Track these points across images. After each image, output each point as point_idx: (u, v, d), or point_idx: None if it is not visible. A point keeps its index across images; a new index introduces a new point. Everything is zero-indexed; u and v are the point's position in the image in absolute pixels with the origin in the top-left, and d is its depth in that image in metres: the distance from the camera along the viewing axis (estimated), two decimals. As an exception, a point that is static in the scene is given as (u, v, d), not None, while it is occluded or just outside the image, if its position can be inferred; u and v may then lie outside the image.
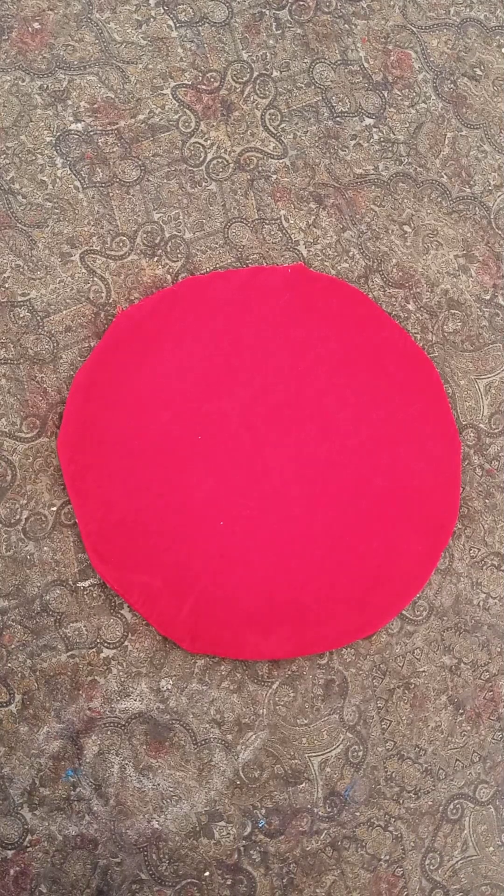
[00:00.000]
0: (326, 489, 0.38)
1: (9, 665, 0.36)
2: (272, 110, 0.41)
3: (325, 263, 0.40)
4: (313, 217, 0.41)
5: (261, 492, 0.38)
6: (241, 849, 0.37)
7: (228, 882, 0.37)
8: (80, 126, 0.39)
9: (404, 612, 0.39)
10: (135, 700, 0.37)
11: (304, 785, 0.38)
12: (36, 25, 0.39)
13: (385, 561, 0.38)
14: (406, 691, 0.39)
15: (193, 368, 0.38)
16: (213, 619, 0.37)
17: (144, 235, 0.39)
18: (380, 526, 0.38)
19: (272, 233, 0.40)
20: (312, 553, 0.37)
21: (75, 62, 0.39)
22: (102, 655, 0.37)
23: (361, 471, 0.38)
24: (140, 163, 0.39)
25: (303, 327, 0.38)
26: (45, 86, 0.39)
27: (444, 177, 0.42)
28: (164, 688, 0.37)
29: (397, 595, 0.38)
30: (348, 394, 0.38)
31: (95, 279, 0.38)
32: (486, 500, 0.40)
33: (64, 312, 0.38)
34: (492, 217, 0.42)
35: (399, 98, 0.42)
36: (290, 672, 0.38)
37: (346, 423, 0.38)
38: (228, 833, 0.37)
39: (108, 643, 0.37)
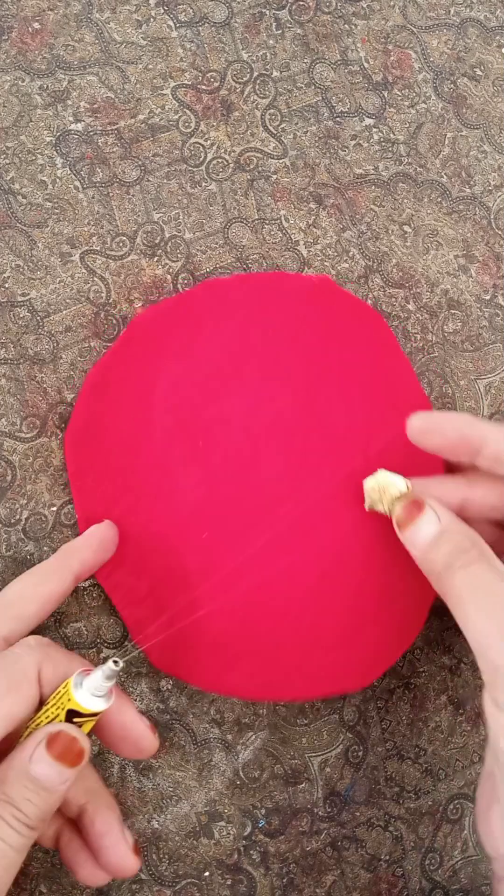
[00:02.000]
0: (322, 516, 0.35)
1: (9, 665, 0.36)
2: (272, 110, 0.41)
3: (325, 263, 0.40)
4: (313, 217, 0.41)
5: (252, 508, 0.35)
6: (241, 849, 0.37)
7: (228, 882, 0.37)
8: (80, 126, 0.39)
9: (404, 612, 0.39)
10: (135, 700, 0.37)
11: (304, 785, 0.38)
12: (36, 25, 0.39)
13: (377, 607, 0.36)
14: (406, 691, 0.39)
15: (202, 373, 0.36)
16: (181, 638, 0.35)
17: (144, 235, 0.39)
18: (374, 570, 0.36)
19: (272, 233, 0.40)
20: (297, 584, 0.35)
21: (75, 62, 0.39)
22: (102, 655, 0.37)
23: (361, 502, 0.36)
24: (140, 163, 0.39)
25: (319, 344, 0.37)
26: (45, 86, 0.39)
27: (444, 177, 0.42)
28: (164, 688, 0.37)
29: (386, 648, 0.36)
30: (356, 419, 0.36)
31: (95, 279, 0.38)
32: (486, 500, 0.40)
33: (64, 312, 0.38)
34: (492, 217, 0.42)
35: (399, 98, 0.42)
36: (290, 672, 0.38)
37: (350, 449, 0.36)
38: (228, 833, 0.37)
39: (108, 643, 0.37)
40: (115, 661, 0.27)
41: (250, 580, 0.36)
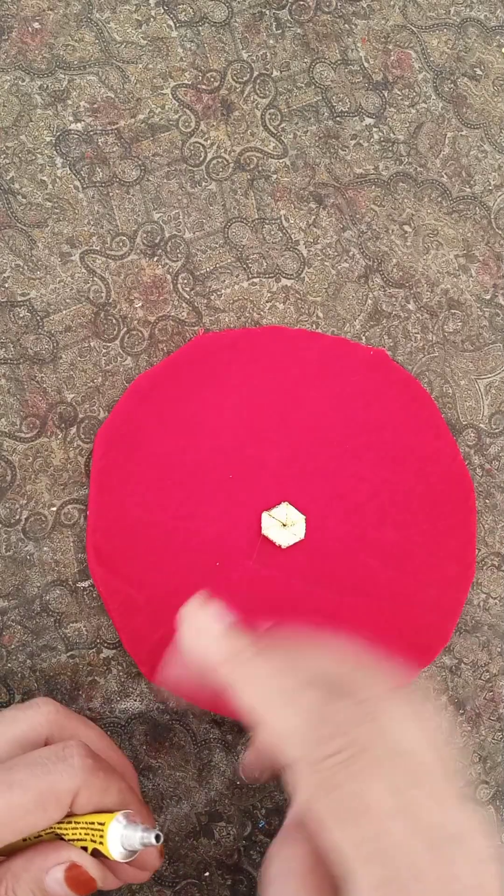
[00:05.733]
0: (331, 571, 0.37)
1: (9, 665, 0.36)
2: (272, 110, 0.41)
3: (325, 263, 0.40)
4: (313, 217, 0.41)
5: (268, 549, 0.37)
6: (241, 849, 0.37)
7: (228, 882, 0.37)
8: (80, 126, 0.39)
9: (404, 613, 0.39)
10: (135, 700, 0.37)
11: (304, 785, 0.38)
12: (36, 25, 0.39)
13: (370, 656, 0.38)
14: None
15: (250, 412, 0.38)
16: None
17: (144, 235, 0.39)
18: (370, 627, 0.37)
19: (272, 232, 0.40)
20: (296, 626, 0.37)
21: (75, 62, 0.39)
22: (102, 655, 0.37)
23: (370, 564, 0.37)
24: (140, 163, 0.39)
25: (362, 412, 0.38)
26: (45, 86, 0.39)
27: (445, 177, 0.42)
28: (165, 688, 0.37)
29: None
30: (383, 488, 0.38)
31: (95, 279, 0.38)
32: (486, 500, 0.40)
33: (64, 312, 0.38)
34: (492, 217, 0.42)
35: (399, 98, 0.42)
36: (290, 672, 0.38)
37: (372, 514, 0.38)
38: (228, 833, 0.37)
39: (108, 643, 0.37)
40: (158, 837, 0.27)
41: (257, 614, 0.37)
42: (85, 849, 0.27)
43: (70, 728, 0.30)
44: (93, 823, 0.27)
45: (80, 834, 0.28)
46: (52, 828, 0.28)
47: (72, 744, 0.28)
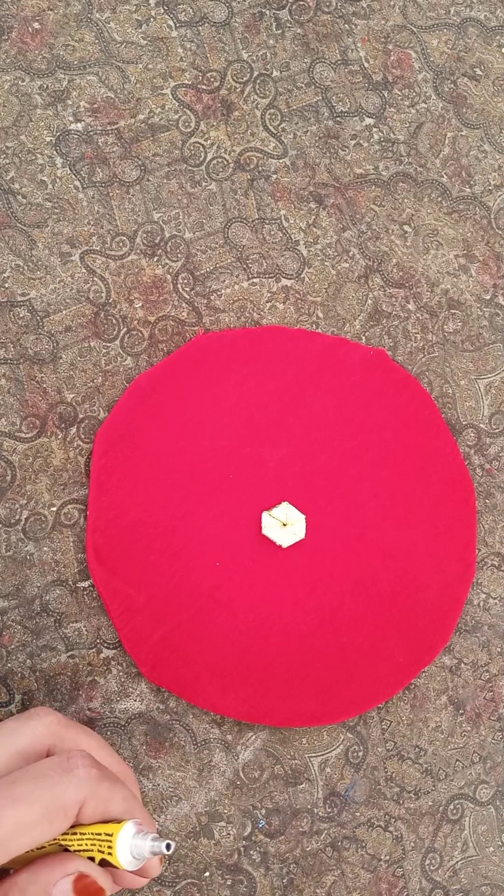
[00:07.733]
0: (331, 571, 0.37)
1: (8, 665, 0.36)
2: (272, 110, 0.41)
3: (325, 263, 0.40)
4: (313, 217, 0.41)
5: (268, 549, 0.37)
6: (241, 849, 0.37)
7: (228, 882, 0.37)
8: (80, 126, 0.39)
9: (404, 613, 0.39)
10: (135, 700, 0.37)
11: (304, 785, 0.38)
12: (36, 25, 0.39)
13: (359, 662, 0.37)
14: (406, 691, 0.39)
15: (249, 412, 0.38)
16: (178, 656, 0.36)
17: (144, 235, 0.39)
18: (370, 627, 0.37)
19: (272, 233, 0.40)
20: (296, 626, 0.37)
21: (75, 62, 0.39)
22: (102, 656, 0.37)
23: (370, 564, 0.38)
24: (140, 163, 0.39)
25: (362, 411, 0.38)
26: (45, 86, 0.39)
27: (445, 177, 0.42)
28: (164, 688, 0.37)
29: (364, 697, 0.37)
30: (383, 486, 0.38)
31: (95, 279, 0.38)
32: (487, 500, 0.40)
33: (64, 312, 0.38)
34: (492, 217, 0.42)
35: (399, 98, 0.42)
36: (290, 672, 0.38)
37: (372, 513, 0.38)
38: (228, 833, 0.37)
39: (108, 643, 0.37)
40: (168, 846, 0.27)
41: (257, 613, 0.37)
42: (92, 859, 0.27)
43: (70, 738, 0.30)
44: (100, 834, 0.27)
45: (87, 845, 0.27)
46: (56, 839, 0.28)
47: (76, 754, 0.28)
